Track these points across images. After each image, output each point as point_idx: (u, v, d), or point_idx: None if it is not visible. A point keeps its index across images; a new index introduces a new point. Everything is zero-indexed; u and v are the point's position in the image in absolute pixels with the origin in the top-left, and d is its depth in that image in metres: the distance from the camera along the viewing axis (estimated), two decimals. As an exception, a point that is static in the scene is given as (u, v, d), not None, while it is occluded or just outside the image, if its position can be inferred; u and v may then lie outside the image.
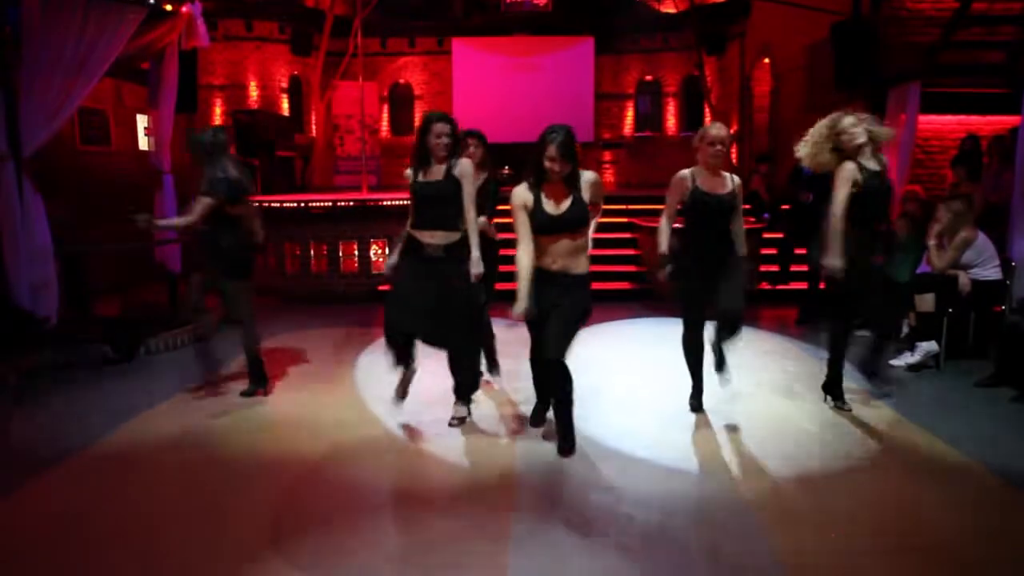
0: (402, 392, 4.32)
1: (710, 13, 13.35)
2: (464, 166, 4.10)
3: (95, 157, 9.49)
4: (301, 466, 3.81)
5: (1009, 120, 6.80)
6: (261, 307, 7.98)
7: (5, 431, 4.37)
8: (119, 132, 10.07)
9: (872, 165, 4.27)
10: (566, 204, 3.60)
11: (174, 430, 4.34)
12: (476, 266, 4.07)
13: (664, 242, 4.26)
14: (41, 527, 3.20)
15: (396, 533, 3.13)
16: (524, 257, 3.62)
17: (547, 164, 3.53)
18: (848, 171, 4.23)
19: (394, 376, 4.29)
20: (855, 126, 4.26)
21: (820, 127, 4.40)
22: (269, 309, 8.02)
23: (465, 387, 4.40)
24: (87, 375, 5.42)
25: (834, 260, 4.19)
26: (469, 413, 4.40)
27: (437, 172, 4.08)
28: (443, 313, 4.09)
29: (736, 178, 4.25)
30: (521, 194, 3.63)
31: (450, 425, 4.28)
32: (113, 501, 3.44)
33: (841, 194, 4.20)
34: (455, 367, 4.31)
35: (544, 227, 3.60)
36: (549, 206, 3.60)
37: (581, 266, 3.70)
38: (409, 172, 4.16)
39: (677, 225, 4.31)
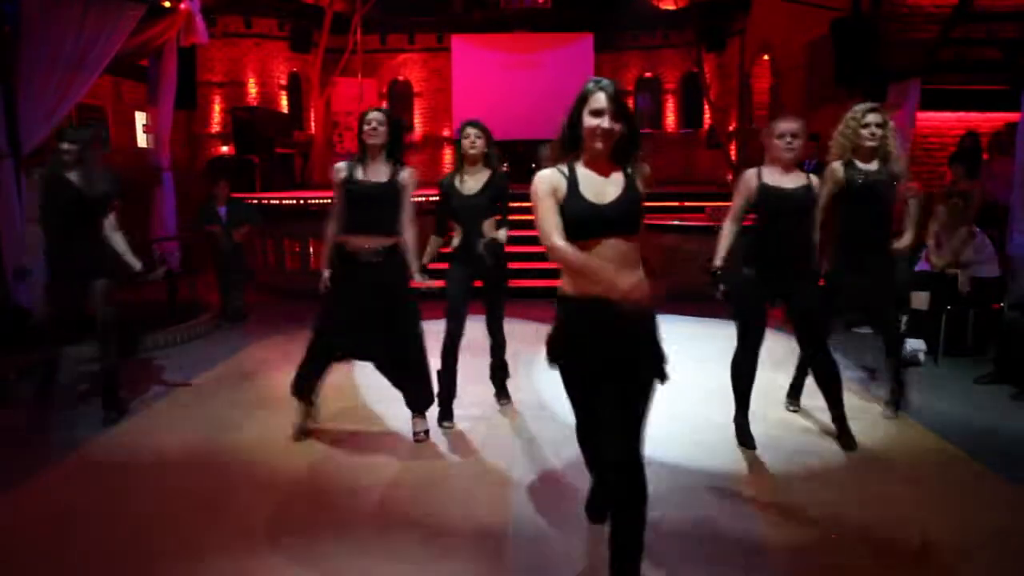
0: (302, 430, 4.11)
1: (710, 10, 13.33)
2: (408, 176, 3.85)
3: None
4: (299, 468, 3.81)
5: (1008, 117, 6.80)
6: (262, 305, 8.02)
7: (3, 429, 4.37)
8: (118, 129, 10.07)
9: (870, 167, 4.09)
10: (615, 190, 2.44)
11: (171, 428, 4.34)
12: (413, 266, 3.87)
13: (721, 252, 3.83)
14: (38, 526, 3.20)
15: (394, 536, 3.12)
16: (565, 245, 2.41)
17: (589, 123, 2.41)
18: (830, 170, 4.10)
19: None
20: (872, 128, 4.05)
21: (847, 119, 4.19)
22: (269, 306, 8.03)
23: (420, 400, 4.11)
24: (85, 373, 5.41)
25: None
26: (433, 425, 4.18)
27: (378, 173, 3.81)
28: (385, 324, 3.87)
29: (814, 177, 3.85)
30: (549, 177, 2.48)
31: (416, 440, 4.04)
32: (110, 500, 3.44)
33: (822, 192, 4.03)
34: (402, 380, 4.05)
35: (584, 223, 2.41)
36: (590, 192, 2.43)
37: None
38: (341, 166, 3.87)
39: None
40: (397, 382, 4.08)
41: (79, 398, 4.84)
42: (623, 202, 2.43)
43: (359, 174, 3.83)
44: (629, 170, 2.50)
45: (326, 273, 3.89)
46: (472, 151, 4.23)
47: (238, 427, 4.34)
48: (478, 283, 4.35)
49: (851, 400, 4.68)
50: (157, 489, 3.58)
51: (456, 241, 4.35)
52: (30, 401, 4.46)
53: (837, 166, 4.12)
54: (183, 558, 2.92)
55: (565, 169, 2.49)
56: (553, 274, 2.64)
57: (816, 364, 3.98)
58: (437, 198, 4.41)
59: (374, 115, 3.84)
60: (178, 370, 5.49)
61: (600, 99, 2.41)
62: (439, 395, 4.29)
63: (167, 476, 3.72)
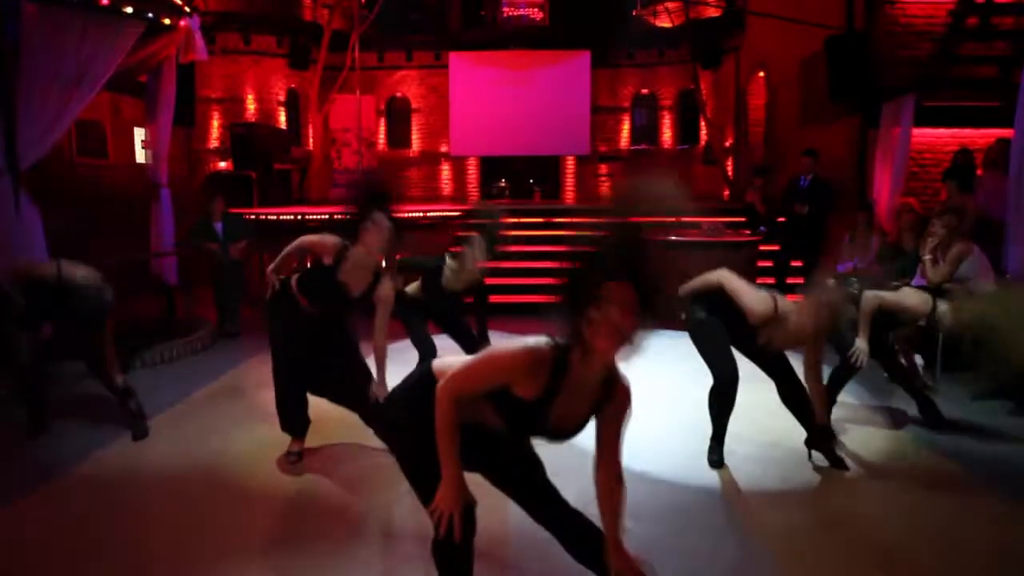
0: (297, 456, 4.02)
1: (706, 27, 13.44)
2: (384, 292, 3.66)
3: (92, 170, 9.50)
4: (293, 484, 3.80)
5: (1001, 133, 6.85)
6: (258, 320, 7.98)
7: (2, 445, 4.35)
8: (116, 145, 10.09)
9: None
10: (582, 414, 2.05)
11: (170, 443, 4.32)
12: (378, 389, 3.67)
13: (689, 287, 3.94)
14: (36, 541, 3.18)
15: (391, 557, 3.11)
16: (443, 426, 2.03)
17: (611, 317, 1.80)
18: (925, 312, 4.30)
19: None
20: (965, 304, 4.22)
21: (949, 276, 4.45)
22: (266, 322, 8.00)
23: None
24: (82, 388, 5.39)
25: (861, 343, 4.20)
26: None
27: (359, 279, 3.65)
28: (330, 353, 3.84)
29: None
30: (532, 364, 1.91)
31: None
32: (109, 514, 3.43)
33: (895, 302, 4.29)
34: (361, 409, 3.96)
35: (527, 431, 2.10)
36: (561, 411, 1.99)
37: None
38: (334, 244, 3.65)
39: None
40: (359, 412, 4.01)
41: (75, 413, 4.81)
42: (579, 428, 2.06)
43: (341, 272, 3.65)
44: (609, 385, 1.99)
45: (273, 278, 3.92)
46: (471, 268, 4.63)
47: (234, 443, 4.33)
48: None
49: (849, 418, 4.70)
50: (155, 503, 3.57)
51: (418, 290, 4.74)
52: (25, 417, 4.43)
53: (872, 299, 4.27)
54: (180, 572, 2.91)
55: (556, 364, 1.90)
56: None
57: (784, 390, 3.96)
58: (419, 271, 4.76)
59: (387, 222, 3.61)
60: (174, 385, 5.47)
61: (625, 291, 1.78)
62: None
63: (164, 490, 3.71)
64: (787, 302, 3.73)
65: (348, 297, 3.69)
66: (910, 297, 4.31)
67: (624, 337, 1.80)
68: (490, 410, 2.04)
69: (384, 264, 3.76)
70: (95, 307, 4.23)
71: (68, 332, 4.41)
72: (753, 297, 3.80)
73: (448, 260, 4.64)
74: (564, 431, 2.03)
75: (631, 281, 1.79)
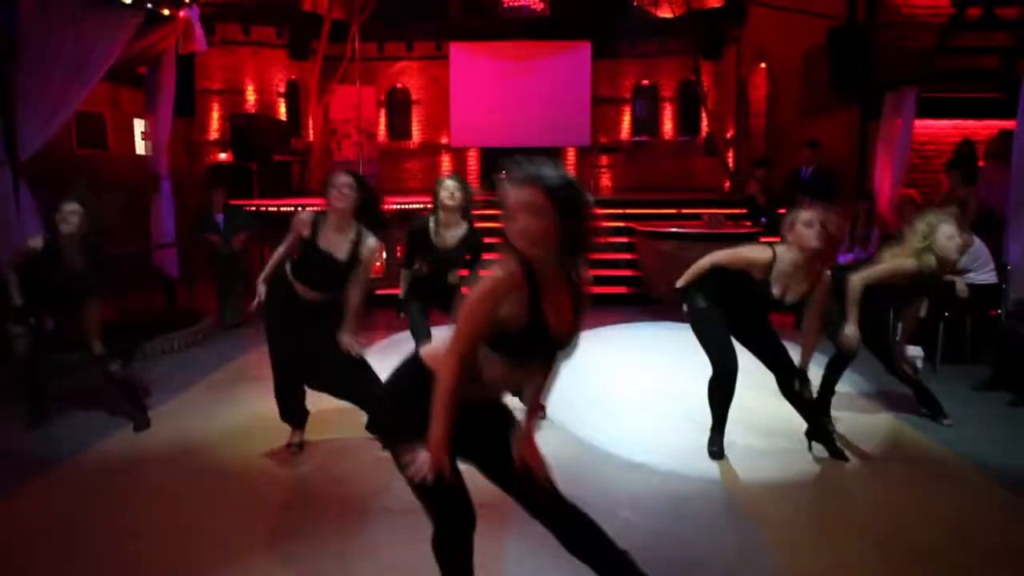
0: (297, 447, 4.04)
1: (707, 18, 13.38)
2: (369, 252, 3.74)
3: (92, 161, 9.48)
4: (294, 476, 3.81)
5: (1004, 124, 6.83)
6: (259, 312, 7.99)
7: (2, 437, 4.36)
8: (116, 136, 10.07)
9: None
10: (572, 307, 2.05)
11: (171, 434, 4.34)
12: (346, 339, 3.74)
13: (684, 279, 3.99)
14: (34, 532, 3.20)
15: (391, 544, 3.12)
16: (445, 390, 1.97)
17: (513, 232, 1.90)
18: (909, 266, 4.11)
19: None
20: (951, 239, 4.06)
21: (919, 231, 4.13)
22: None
23: None
24: (83, 380, 5.40)
25: (851, 329, 4.09)
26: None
27: (340, 244, 3.69)
28: (327, 349, 3.79)
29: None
30: (509, 282, 1.92)
31: None
32: (107, 506, 3.44)
33: (878, 272, 4.13)
34: (361, 403, 3.89)
35: (532, 351, 2.06)
36: (552, 313, 1.99)
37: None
38: (307, 219, 3.70)
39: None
40: (358, 404, 3.99)
41: (74, 405, 4.82)
42: (577, 325, 2.06)
43: (321, 240, 3.69)
44: (574, 277, 2.03)
45: (261, 289, 3.91)
46: (451, 203, 4.34)
47: (235, 434, 4.34)
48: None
49: (848, 409, 4.71)
50: (153, 495, 3.59)
51: (420, 267, 4.49)
52: (24, 410, 4.44)
53: (912, 267, 4.11)
54: (175, 565, 2.92)
55: (527, 274, 1.91)
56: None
57: (783, 381, 3.95)
58: (408, 238, 4.50)
59: (342, 179, 3.65)
60: (175, 377, 5.48)
61: (525, 192, 1.86)
62: None
63: (164, 483, 3.72)
64: (783, 246, 3.69)
65: (336, 263, 3.71)
66: (898, 263, 4.17)
67: (530, 235, 1.85)
68: (493, 361, 2.02)
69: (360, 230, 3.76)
70: (86, 265, 4.30)
71: (66, 305, 4.41)
72: (750, 249, 3.83)
73: (431, 216, 4.50)
74: (567, 334, 2.05)
75: (532, 184, 1.86)
